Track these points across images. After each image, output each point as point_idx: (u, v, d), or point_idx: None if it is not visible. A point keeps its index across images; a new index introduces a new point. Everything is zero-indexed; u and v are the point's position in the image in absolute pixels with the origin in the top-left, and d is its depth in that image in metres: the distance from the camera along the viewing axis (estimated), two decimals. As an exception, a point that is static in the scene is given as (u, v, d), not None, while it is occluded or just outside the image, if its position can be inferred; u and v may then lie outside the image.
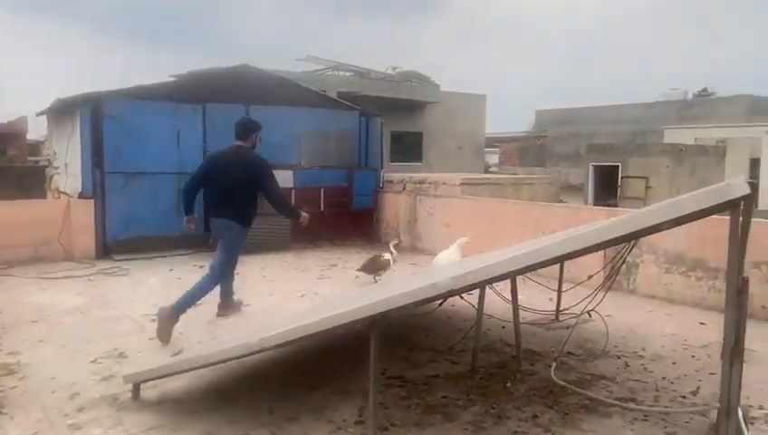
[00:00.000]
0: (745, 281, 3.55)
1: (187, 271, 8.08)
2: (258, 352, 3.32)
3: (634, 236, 2.48)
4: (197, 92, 9.70)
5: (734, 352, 2.09)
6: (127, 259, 8.63)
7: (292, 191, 9.91)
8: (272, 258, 9.09)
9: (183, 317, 5.28)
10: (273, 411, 3.65)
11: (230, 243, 5.83)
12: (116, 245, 8.95)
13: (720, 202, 1.95)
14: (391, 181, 11.27)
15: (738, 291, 3.48)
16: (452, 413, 3.67)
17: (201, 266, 8.41)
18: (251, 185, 5.66)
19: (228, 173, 5.65)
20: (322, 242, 10.39)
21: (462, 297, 4.96)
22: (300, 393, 3.96)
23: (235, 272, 6.14)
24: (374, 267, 7.45)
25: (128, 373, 4.02)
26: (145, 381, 3.83)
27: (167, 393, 3.93)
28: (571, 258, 3.91)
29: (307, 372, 4.45)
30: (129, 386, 3.86)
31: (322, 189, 10.32)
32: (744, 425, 3.23)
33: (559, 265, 6.03)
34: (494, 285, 4.73)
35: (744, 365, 4.54)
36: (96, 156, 8.86)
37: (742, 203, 3.43)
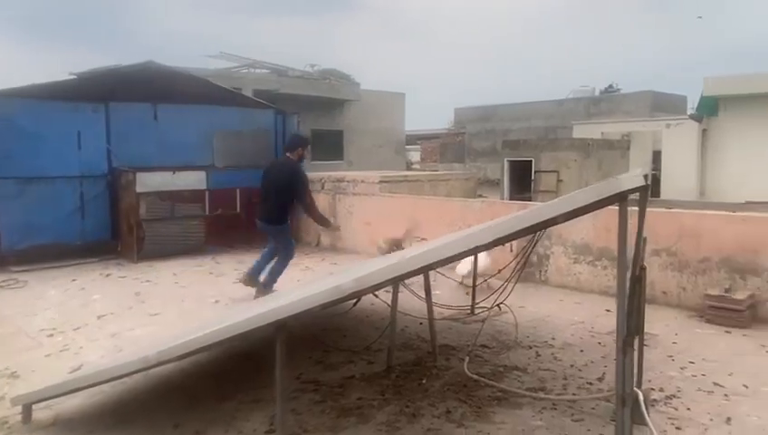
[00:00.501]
0: (643, 270, 3.72)
1: (92, 280, 7.64)
2: (157, 365, 3.13)
3: (531, 231, 2.52)
4: (100, 91, 9.19)
5: (626, 341, 2.14)
6: (25, 270, 8.04)
7: (206, 193, 9.56)
8: (185, 263, 8.75)
9: (86, 332, 5.03)
10: (179, 426, 3.48)
11: (279, 238, 6.71)
12: (12, 255, 8.32)
13: (608, 195, 1.99)
14: (310, 180, 11.09)
15: (636, 279, 3.64)
16: (367, 415, 3.62)
17: (108, 275, 8.01)
18: (287, 191, 6.44)
19: (271, 180, 6.59)
20: (240, 245, 10.08)
21: (377, 296, 4.93)
22: (209, 405, 3.80)
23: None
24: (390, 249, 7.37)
25: (18, 394, 3.71)
26: (36, 402, 3.55)
27: (62, 414, 3.66)
28: (469, 256, 3.96)
29: (218, 382, 4.28)
30: (19, 408, 3.57)
31: (238, 190, 10.01)
32: (644, 408, 3.37)
33: (473, 260, 6.14)
34: (408, 282, 4.71)
35: (646, 349, 4.77)
36: (-15, 161, 8.20)
37: (637, 194, 3.57)
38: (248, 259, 9.15)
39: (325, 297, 2.53)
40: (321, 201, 10.48)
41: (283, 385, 2.77)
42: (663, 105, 24.56)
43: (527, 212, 2.24)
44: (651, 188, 17.19)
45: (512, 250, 5.68)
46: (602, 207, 2.41)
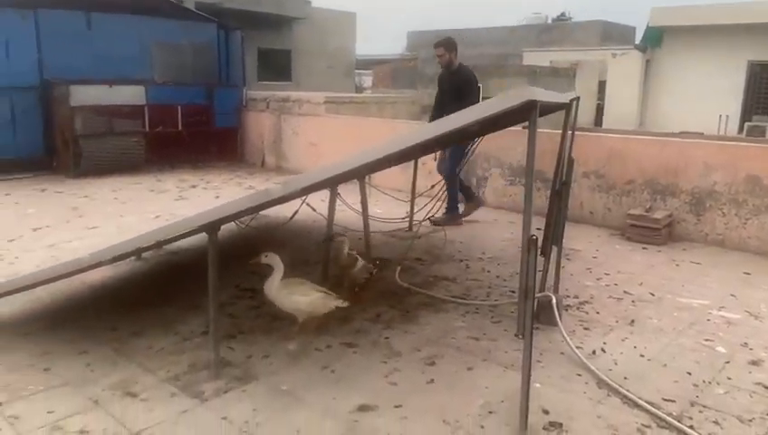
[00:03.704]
0: (564, 185, 3.94)
1: (26, 195, 7.47)
2: (91, 267, 3.20)
3: (444, 139, 2.63)
4: (27, -3, 8.65)
5: (530, 241, 2.33)
6: (-46, 184, 7.78)
7: (145, 109, 9.28)
8: (124, 181, 8.61)
9: (21, 244, 5.09)
10: (117, 329, 3.58)
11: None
12: (-61, 168, 8.01)
13: (517, 103, 2.11)
14: (255, 100, 10.93)
15: (556, 194, 3.87)
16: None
17: (43, 190, 7.83)
18: None
19: None
20: (182, 164, 9.97)
21: (315, 210, 5.04)
22: (148, 311, 3.90)
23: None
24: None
25: (-50, 300, 3.72)
26: (-31, 306, 3.57)
27: (-2, 318, 3.71)
28: (382, 168, 4.08)
29: (158, 290, 4.38)
30: (-48, 313, 3.59)
31: (180, 107, 9.76)
32: (556, 311, 3.67)
33: (413, 177, 6.30)
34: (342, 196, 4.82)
35: (568, 262, 5.12)
36: None
37: (572, 107, 3.74)
38: (191, 177, 9.10)
39: (255, 201, 2.62)
40: (267, 121, 10.38)
41: (216, 284, 2.89)
42: (612, 35, 24.75)
43: (443, 120, 2.35)
44: (595, 118, 17.27)
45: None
46: (519, 122, 2.53)
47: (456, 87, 6.15)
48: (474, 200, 6.65)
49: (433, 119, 6.45)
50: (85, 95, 8.55)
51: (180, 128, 9.77)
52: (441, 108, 6.29)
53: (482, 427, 2.64)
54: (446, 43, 6.24)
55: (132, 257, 4.81)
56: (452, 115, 2.28)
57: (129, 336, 3.48)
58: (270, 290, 3.41)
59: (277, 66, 20.04)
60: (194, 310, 3.89)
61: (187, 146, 9.93)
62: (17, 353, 3.24)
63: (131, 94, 9.14)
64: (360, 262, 3.93)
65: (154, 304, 4.00)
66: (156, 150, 9.51)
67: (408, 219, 6.14)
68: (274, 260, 3.42)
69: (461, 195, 6.51)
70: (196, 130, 10.03)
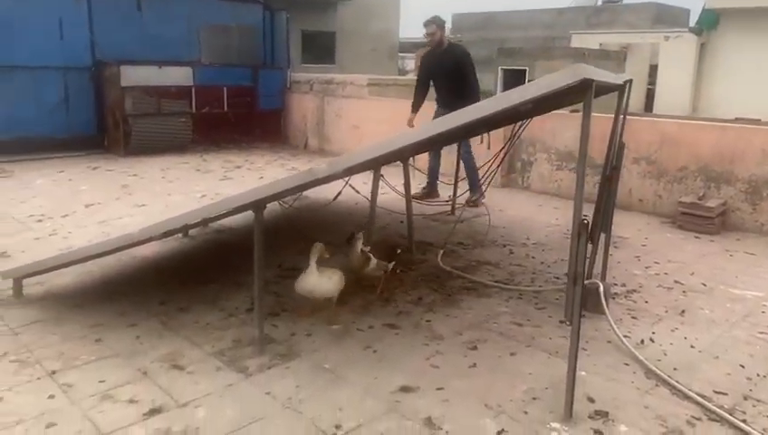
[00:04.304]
0: (615, 170, 3.83)
1: (79, 172, 7.70)
2: (141, 242, 3.27)
3: (491, 121, 2.56)
4: (80, -22, 8.84)
5: (580, 225, 2.27)
6: (11, 161, 8.06)
7: (193, 90, 9.43)
8: (172, 160, 8.78)
9: (74, 219, 5.30)
10: (165, 303, 3.67)
11: None
12: (-3, 145, 8.32)
13: (572, 81, 2.04)
14: (298, 81, 10.97)
15: (606, 179, 3.76)
16: (343, 300, 3.81)
17: (95, 168, 8.06)
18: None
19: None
20: (227, 144, 10.12)
21: (358, 192, 5.04)
22: (194, 286, 3.98)
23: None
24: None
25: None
26: (26, 276, 3.70)
27: (52, 290, 3.84)
28: (426, 150, 3.99)
29: (204, 267, 4.46)
30: (10, 283, 3.73)
31: (225, 88, 9.88)
32: (603, 299, 3.59)
33: (456, 160, 6.24)
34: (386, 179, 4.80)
35: (615, 250, 5.00)
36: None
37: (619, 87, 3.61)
38: (236, 158, 9.22)
39: (300, 180, 2.62)
40: (310, 104, 10.41)
41: (261, 261, 2.91)
42: (665, 18, 23.85)
43: (497, 97, 2.30)
44: (645, 103, 16.73)
45: (488, 147, 5.74)
46: (569, 103, 2.46)
47: (454, 64, 6.08)
48: (431, 189, 6.71)
49: (417, 102, 6.47)
50: (135, 76, 8.73)
51: (226, 109, 9.90)
52: (426, 89, 6.40)
53: (525, 413, 2.60)
54: (438, 21, 6.14)
55: (179, 235, 4.91)
56: (503, 94, 2.21)
57: (177, 311, 3.56)
58: (310, 282, 3.42)
59: (321, 49, 20.02)
60: (238, 287, 3.95)
61: (232, 127, 10.07)
62: (70, 324, 3.35)
63: (179, 75, 9.29)
64: (374, 260, 3.89)
65: (200, 280, 4.08)
66: (202, 131, 9.67)
67: (450, 203, 6.10)
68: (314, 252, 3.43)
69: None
70: (241, 112, 10.15)
